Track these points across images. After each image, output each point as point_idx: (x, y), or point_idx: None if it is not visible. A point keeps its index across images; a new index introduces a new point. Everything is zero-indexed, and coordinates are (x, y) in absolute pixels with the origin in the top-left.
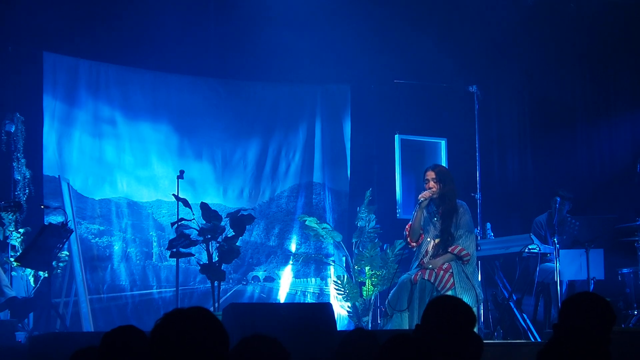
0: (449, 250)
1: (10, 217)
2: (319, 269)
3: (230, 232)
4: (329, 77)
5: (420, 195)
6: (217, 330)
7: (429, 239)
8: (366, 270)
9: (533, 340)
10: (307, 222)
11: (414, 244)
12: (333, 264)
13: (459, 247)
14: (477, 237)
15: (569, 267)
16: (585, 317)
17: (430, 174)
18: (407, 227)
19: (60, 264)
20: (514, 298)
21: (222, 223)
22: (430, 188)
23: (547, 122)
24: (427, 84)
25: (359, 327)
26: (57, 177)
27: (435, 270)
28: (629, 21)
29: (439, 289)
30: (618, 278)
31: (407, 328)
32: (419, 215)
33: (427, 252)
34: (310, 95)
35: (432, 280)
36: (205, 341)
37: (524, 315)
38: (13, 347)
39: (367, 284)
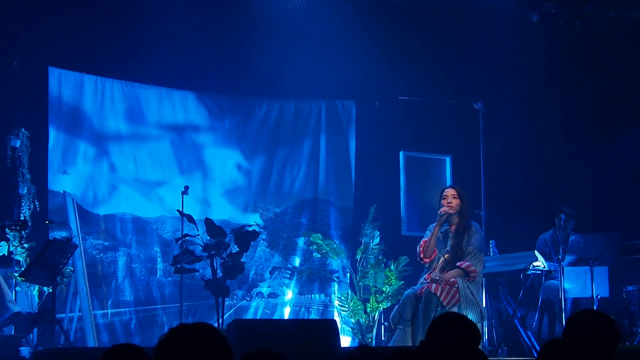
0: (458, 265)
1: (15, 233)
2: (323, 285)
3: (234, 248)
4: (334, 93)
5: (441, 209)
6: (221, 346)
7: (439, 256)
8: (370, 287)
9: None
10: (311, 238)
11: (427, 260)
12: (337, 280)
13: (467, 263)
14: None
15: (573, 284)
16: (589, 334)
17: (451, 192)
18: (421, 243)
19: (65, 279)
20: (519, 315)
21: (227, 239)
22: (449, 203)
23: (552, 140)
24: (432, 101)
25: (363, 344)
26: (62, 192)
27: (442, 285)
28: (635, 37)
29: (444, 304)
30: (623, 296)
31: (411, 342)
32: (436, 232)
33: (436, 267)
34: (315, 111)
35: (438, 294)
36: (209, 357)
37: (529, 333)
38: None
39: (371, 301)
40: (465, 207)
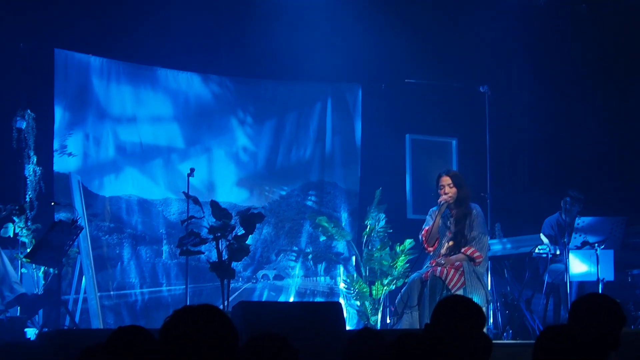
0: (462, 251)
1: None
2: (329, 267)
3: (240, 231)
4: (340, 75)
5: (440, 199)
6: (226, 328)
7: (443, 242)
8: (376, 270)
9: None
10: (317, 221)
11: (431, 248)
12: (342, 263)
13: (472, 249)
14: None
15: (578, 268)
16: (594, 318)
17: (446, 180)
18: (423, 232)
19: (70, 261)
20: (524, 298)
21: (232, 221)
22: (446, 193)
23: (558, 123)
24: (438, 84)
25: (366, 327)
26: (67, 174)
27: (447, 268)
28: None
29: (450, 287)
30: (628, 279)
31: (418, 326)
32: (438, 221)
33: (440, 254)
34: (322, 93)
35: (443, 278)
36: (214, 339)
37: (534, 316)
38: (23, 343)
39: (376, 284)
40: (463, 192)
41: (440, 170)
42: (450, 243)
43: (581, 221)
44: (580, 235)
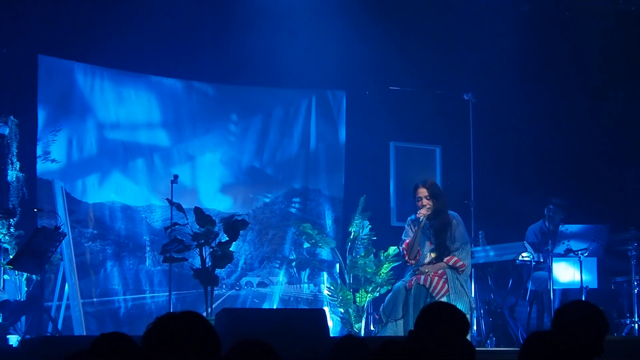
0: (445, 261)
1: (2, 221)
2: (313, 275)
3: (223, 237)
4: (325, 82)
5: (418, 214)
6: (209, 335)
7: (425, 253)
8: (359, 277)
9: None
10: (301, 228)
11: (413, 261)
12: (327, 270)
13: (455, 258)
14: (471, 245)
15: (562, 275)
16: (578, 325)
17: (423, 191)
18: (404, 245)
19: (53, 268)
20: (507, 306)
21: (216, 228)
22: (424, 205)
23: (542, 130)
24: (423, 91)
25: (350, 334)
26: (50, 180)
27: (431, 276)
28: (624, 28)
29: (434, 294)
30: (611, 287)
31: (402, 334)
32: (418, 234)
33: (423, 264)
34: (306, 100)
35: (426, 286)
36: (196, 346)
37: (517, 323)
38: (5, 350)
39: (360, 291)
40: (441, 203)
41: (416, 181)
42: (433, 255)
43: (565, 229)
44: (563, 243)
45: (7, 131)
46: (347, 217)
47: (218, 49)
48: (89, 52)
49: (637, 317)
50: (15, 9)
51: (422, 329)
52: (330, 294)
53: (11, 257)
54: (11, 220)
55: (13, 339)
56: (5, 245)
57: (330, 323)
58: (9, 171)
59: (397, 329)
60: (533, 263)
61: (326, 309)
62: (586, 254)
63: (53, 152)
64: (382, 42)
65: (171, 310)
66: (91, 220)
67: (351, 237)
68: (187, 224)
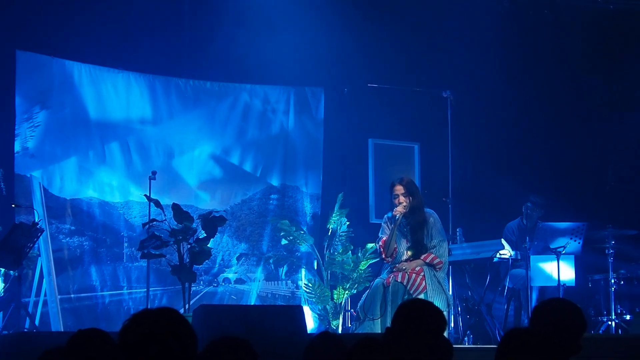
0: (422, 258)
1: None
2: (290, 271)
3: (201, 234)
4: (303, 79)
5: (395, 211)
6: (185, 331)
7: (402, 251)
8: (337, 274)
9: None
10: (279, 225)
11: (389, 259)
12: (304, 266)
13: (432, 255)
14: (448, 242)
15: (539, 273)
16: (556, 323)
17: (399, 189)
18: (380, 243)
19: (30, 264)
20: (485, 303)
21: (194, 224)
22: (400, 203)
23: (520, 128)
24: (401, 88)
25: (326, 331)
26: (28, 176)
27: (408, 273)
28: (602, 26)
29: (411, 292)
30: (589, 284)
31: (379, 331)
32: (394, 232)
33: (400, 262)
34: (284, 97)
35: (404, 283)
36: (173, 342)
37: (495, 321)
38: None
39: (338, 288)
40: (417, 200)
41: (393, 179)
42: (409, 253)
43: (542, 226)
44: (541, 241)
45: None
46: (325, 214)
47: (196, 45)
48: (67, 48)
49: (614, 315)
50: None
51: (399, 326)
52: (307, 290)
53: None
54: None
55: None
56: None
57: (309, 320)
58: None
59: (374, 326)
60: (510, 260)
61: (304, 305)
62: (564, 252)
63: (31, 148)
64: (361, 39)
65: (148, 307)
66: (69, 216)
67: (329, 233)
68: (165, 220)
